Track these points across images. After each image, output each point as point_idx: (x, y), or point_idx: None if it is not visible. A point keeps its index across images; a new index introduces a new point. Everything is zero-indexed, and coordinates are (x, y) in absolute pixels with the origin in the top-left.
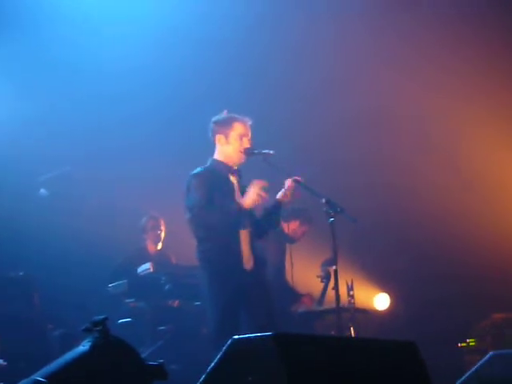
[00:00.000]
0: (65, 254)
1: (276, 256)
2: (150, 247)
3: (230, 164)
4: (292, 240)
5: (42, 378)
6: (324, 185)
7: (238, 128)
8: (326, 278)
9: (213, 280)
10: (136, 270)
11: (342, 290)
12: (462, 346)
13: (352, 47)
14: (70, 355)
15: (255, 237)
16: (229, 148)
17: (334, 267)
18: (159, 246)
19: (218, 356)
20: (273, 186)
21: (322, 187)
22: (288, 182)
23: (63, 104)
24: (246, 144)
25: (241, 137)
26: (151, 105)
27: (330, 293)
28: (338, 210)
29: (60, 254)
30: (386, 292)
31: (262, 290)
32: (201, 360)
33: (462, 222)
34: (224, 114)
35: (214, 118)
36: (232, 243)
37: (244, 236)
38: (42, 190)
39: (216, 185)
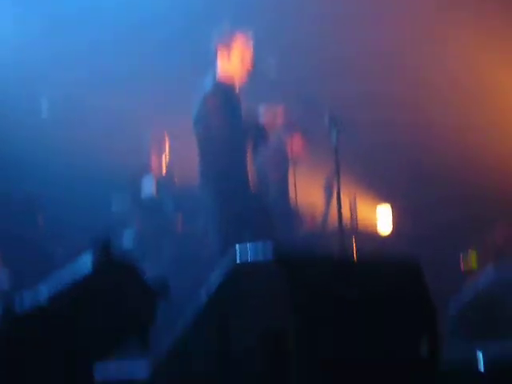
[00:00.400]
0: (68, 171)
1: (278, 179)
2: (154, 164)
3: (234, 82)
4: (294, 159)
5: (45, 297)
6: (327, 96)
7: (240, 42)
8: (328, 196)
9: (216, 198)
10: (139, 187)
11: (345, 206)
12: (464, 264)
13: None
14: (72, 274)
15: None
16: (230, 64)
17: (336, 184)
18: (163, 164)
19: (220, 280)
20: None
21: (324, 102)
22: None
23: (66, 23)
24: (248, 58)
25: (243, 51)
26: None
27: (333, 210)
28: (341, 125)
29: (63, 170)
30: (388, 206)
31: (264, 210)
32: (204, 280)
33: (468, 138)
34: (227, 28)
35: (218, 31)
36: (238, 161)
37: (250, 156)
38: (44, 107)
39: (226, 101)
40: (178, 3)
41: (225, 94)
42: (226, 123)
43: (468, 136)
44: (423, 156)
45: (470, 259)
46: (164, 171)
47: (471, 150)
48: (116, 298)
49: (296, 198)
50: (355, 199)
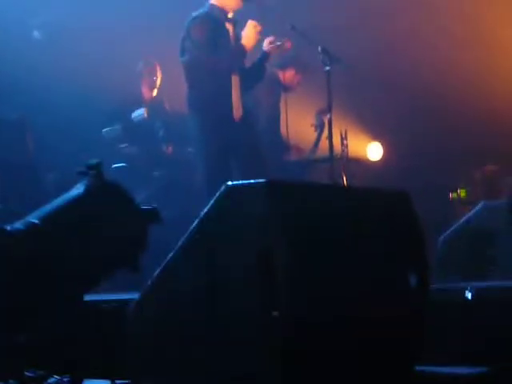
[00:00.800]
0: (59, 98)
1: (270, 104)
2: (145, 93)
3: (227, 9)
4: (287, 88)
5: (36, 219)
6: (319, 33)
7: None
8: (319, 127)
9: (203, 127)
10: (130, 116)
11: (336, 139)
12: (453, 198)
13: None
14: (64, 198)
15: (243, 88)
16: None
17: (328, 116)
18: (154, 93)
19: (211, 202)
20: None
21: (318, 35)
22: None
23: None
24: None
25: None
26: None
27: (324, 142)
28: (334, 58)
29: (54, 97)
30: (379, 142)
31: (252, 139)
32: (193, 207)
33: (458, 72)
34: None
35: None
36: (223, 90)
37: (235, 83)
38: (35, 33)
39: (214, 29)
40: None
41: (214, 20)
42: (212, 49)
43: (460, 72)
44: (416, 91)
45: (460, 195)
46: (155, 99)
47: (462, 85)
48: (107, 221)
49: (287, 125)
50: (346, 133)
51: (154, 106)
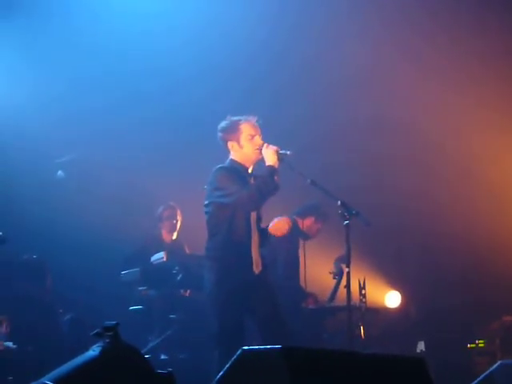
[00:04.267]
0: (79, 239)
1: (288, 251)
2: (165, 236)
3: (248, 165)
4: (306, 236)
5: (51, 381)
6: (338, 186)
7: (246, 129)
8: (338, 275)
9: (220, 284)
10: (149, 258)
11: (354, 288)
12: (471, 347)
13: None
14: (79, 359)
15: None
16: (243, 151)
17: (347, 269)
18: (174, 236)
19: (227, 365)
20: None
21: (337, 189)
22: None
23: (81, 86)
24: (259, 141)
25: (251, 137)
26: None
27: (342, 290)
28: (354, 212)
29: (74, 238)
30: (397, 291)
31: (269, 293)
32: (210, 351)
33: (475, 227)
34: (228, 120)
35: (220, 126)
36: (244, 244)
37: (255, 238)
38: (60, 172)
39: (237, 179)
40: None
41: (236, 171)
42: (235, 199)
43: (477, 225)
44: (434, 243)
45: (478, 345)
46: (175, 242)
47: (480, 238)
48: (121, 382)
49: (305, 272)
50: (364, 281)
51: (174, 250)
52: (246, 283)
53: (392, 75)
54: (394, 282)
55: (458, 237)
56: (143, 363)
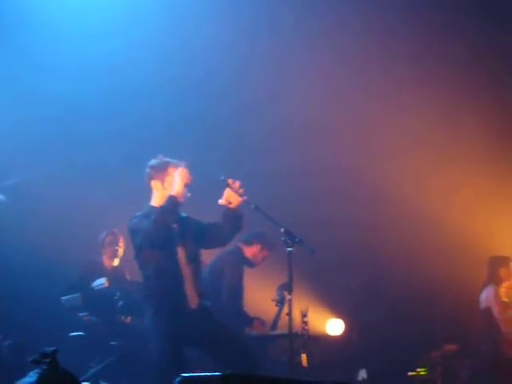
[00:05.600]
0: (22, 261)
1: (233, 279)
2: (107, 262)
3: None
4: (251, 264)
5: None
6: (279, 215)
7: (172, 172)
8: (280, 303)
9: (158, 318)
10: (91, 284)
11: (296, 315)
12: (412, 375)
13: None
14: None
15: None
16: (165, 193)
17: (289, 296)
18: (116, 262)
19: None
20: None
21: (281, 218)
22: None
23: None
24: (180, 189)
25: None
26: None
27: (284, 317)
28: (297, 239)
29: (17, 260)
30: (339, 317)
31: (212, 325)
32: (150, 379)
33: (417, 254)
34: (159, 159)
35: (150, 163)
36: (174, 281)
37: (187, 273)
38: (1, 196)
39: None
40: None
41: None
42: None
43: (421, 257)
44: (377, 273)
45: (419, 373)
46: (116, 268)
47: (423, 269)
48: None
49: (248, 300)
50: (307, 309)
51: (115, 276)
52: (184, 319)
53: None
54: (337, 310)
55: (402, 267)
56: None
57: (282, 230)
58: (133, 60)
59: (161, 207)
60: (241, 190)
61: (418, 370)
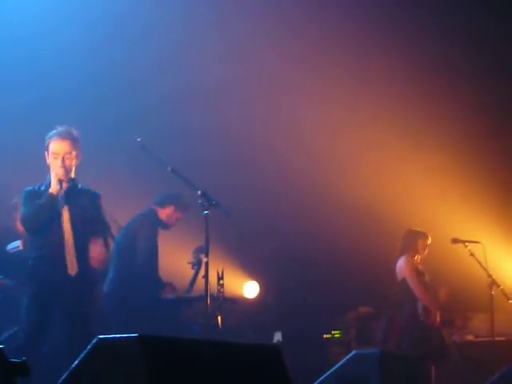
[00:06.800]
0: None
1: (147, 241)
2: (19, 226)
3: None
4: (165, 226)
5: None
6: (198, 177)
7: (51, 147)
8: (197, 265)
9: (30, 279)
10: (5, 248)
11: (213, 278)
12: (327, 338)
13: None
14: None
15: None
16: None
17: (205, 259)
18: None
19: (83, 354)
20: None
21: (200, 179)
22: None
23: None
24: (57, 165)
25: (54, 156)
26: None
27: (200, 280)
28: (213, 202)
29: None
30: (255, 281)
31: (85, 295)
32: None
33: (331, 214)
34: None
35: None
36: (55, 250)
37: (68, 239)
38: None
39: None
40: None
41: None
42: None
43: (339, 219)
44: (295, 237)
45: (334, 336)
46: None
47: (341, 231)
48: None
49: (164, 263)
50: (223, 272)
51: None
52: (57, 285)
53: None
54: (253, 273)
55: (319, 229)
56: None
57: (199, 192)
58: None
59: (41, 203)
60: None
61: (333, 332)
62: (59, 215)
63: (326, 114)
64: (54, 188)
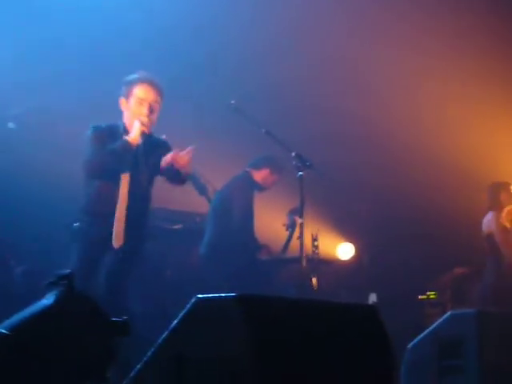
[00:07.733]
0: (29, 188)
1: (243, 203)
2: None
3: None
4: (261, 188)
5: (5, 329)
6: (292, 137)
7: (137, 92)
8: (291, 227)
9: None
10: None
11: (307, 240)
12: (422, 299)
13: None
14: (33, 308)
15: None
16: (130, 115)
17: (300, 220)
18: None
19: (181, 314)
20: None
21: (291, 140)
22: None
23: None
24: (143, 113)
25: (140, 102)
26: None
27: (295, 242)
28: (308, 163)
29: (24, 187)
30: (350, 242)
31: (120, 268)
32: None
33: (428, 182)
34: (136, 74)
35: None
36: (104, 215)
37: (121, 209)
38: (10, 124)
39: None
40: None
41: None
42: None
43: (430, 180)
44: (388, 197)
45: (429, 297)
46: None
47: (433, 191)
48: (77, 332)
49: (259, 225)
50: (317, 233)
51: None
52: (99, 258)
53: None
54: (347, 234)
55: (411, 190)
56: (98, 311)
57: (293, 153)
58: None
59: (114, 149)
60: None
61: (428, 293)
62: (131, 168)
63: None
64: (134, 136)
